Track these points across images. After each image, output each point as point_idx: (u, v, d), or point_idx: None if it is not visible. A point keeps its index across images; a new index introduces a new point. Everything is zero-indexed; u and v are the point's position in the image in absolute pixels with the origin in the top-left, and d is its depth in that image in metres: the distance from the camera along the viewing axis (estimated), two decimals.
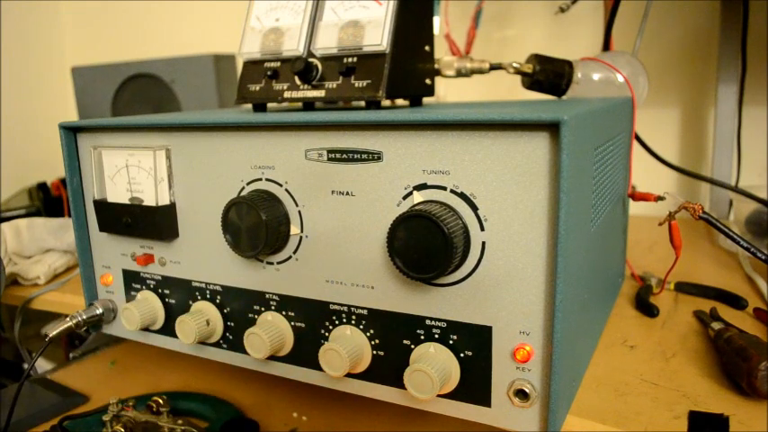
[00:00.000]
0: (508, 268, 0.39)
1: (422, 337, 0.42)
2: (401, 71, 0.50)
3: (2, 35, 1.52)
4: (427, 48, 0.55)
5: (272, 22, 0.54)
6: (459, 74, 0.68)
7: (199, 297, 0.53)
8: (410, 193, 0.41)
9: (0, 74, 1.52)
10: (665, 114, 1.06)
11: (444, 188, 0.40)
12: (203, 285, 0.52)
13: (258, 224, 0.44)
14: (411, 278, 0.40)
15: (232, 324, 0.51)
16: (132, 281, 0.57)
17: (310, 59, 0.51)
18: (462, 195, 0.39)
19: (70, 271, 0.83)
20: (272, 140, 0.46)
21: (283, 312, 0.48)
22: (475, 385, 0.41)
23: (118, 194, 0.54)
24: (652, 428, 0.40)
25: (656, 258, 0.76)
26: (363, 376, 0.45)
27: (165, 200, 0.52)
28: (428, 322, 0.42)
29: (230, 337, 0.52)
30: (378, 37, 0.49)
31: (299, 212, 0.46)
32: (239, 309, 0.51)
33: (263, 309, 0.49)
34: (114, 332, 0.59)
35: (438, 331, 0.42)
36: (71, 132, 0.55)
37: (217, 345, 0.53)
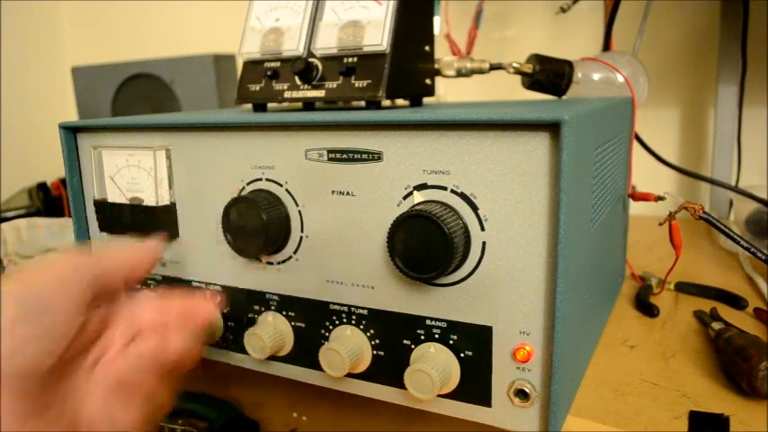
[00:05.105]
0: (508, 268, 0.39)
1: (422, 337, 0.42)
2: (401, 71, 0.50)
3: (2, 35, 1.52)
4: (427, 48, 0.55)
5: (272, 22, 0.54)
6: (460, 74, 0.68)
7: None
8: (410, 193, 0.41)
9: (0, 74, 1.51)
10: (665, 114, 1.06)
11: (445, 188, 0.40)
12: (203, 285, 0.52)
13: (258, 224, 0.44)
14: (411, 278, 0.40)
15: (232, 324, 0.51)
16: None
17: (310, 59, 0.51)
18: (462, 195, 0.39)
19: None
20: (273, 140, 0.46)
21: (283, 312, 0.48)
22: (475, 385, 0.41)
23: (118, 194, 0.54)
24: (652, 428, 0.40)
25: (656, 258, 0.76)
26: (363, 376, 0.45)
27: (165, 200, 0.52)
28: (428, 322, 0.42)
29: (230, 337, 0.52)
30: (378, 37, 0.49)
31: (300, 212, 0.46)
32: (239, 309, 0.51)
33: (263, 309, 0.49)
34: None
35: (438, 331, 0.42)
36: (71, 132, 0.55)
37: (217, 345, 0.53)
